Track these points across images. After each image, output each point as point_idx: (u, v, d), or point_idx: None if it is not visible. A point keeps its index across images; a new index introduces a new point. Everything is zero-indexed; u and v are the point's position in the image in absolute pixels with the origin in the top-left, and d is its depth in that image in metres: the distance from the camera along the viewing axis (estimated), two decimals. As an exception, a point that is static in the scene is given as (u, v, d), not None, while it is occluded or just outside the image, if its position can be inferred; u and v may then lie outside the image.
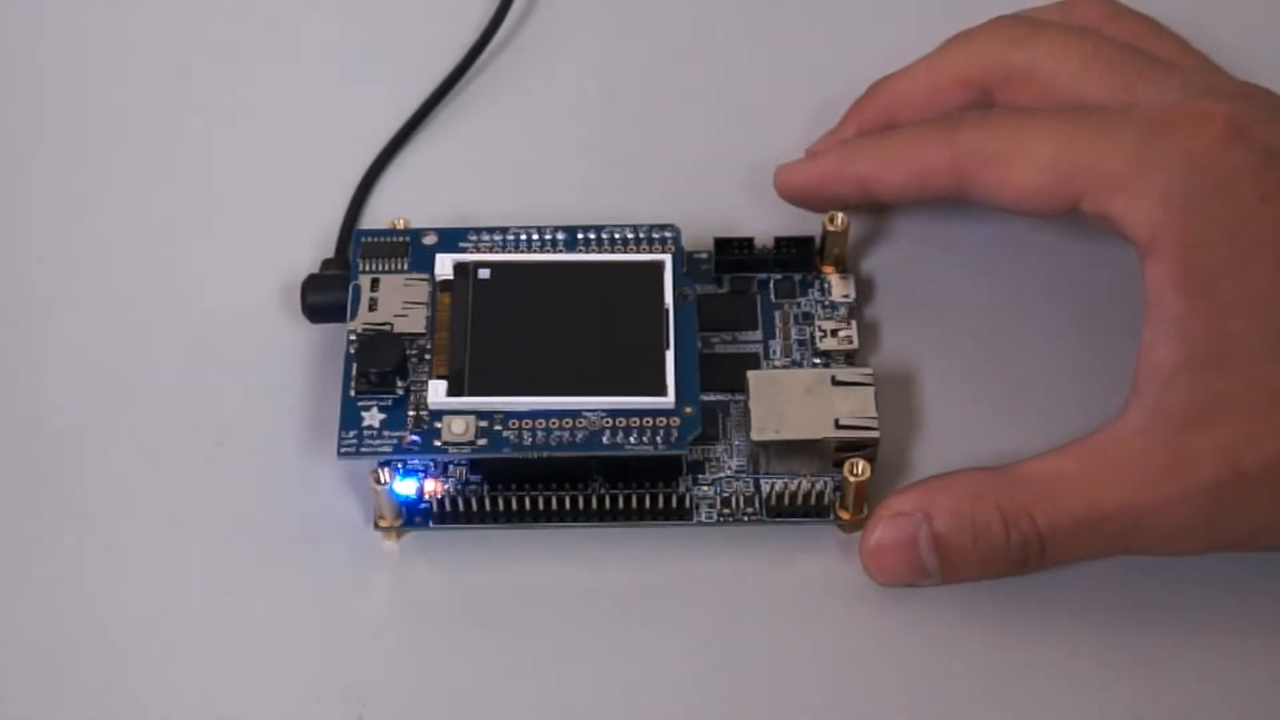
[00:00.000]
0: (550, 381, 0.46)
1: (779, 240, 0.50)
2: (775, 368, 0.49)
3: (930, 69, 0.50)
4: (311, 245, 0.52)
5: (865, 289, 0.51)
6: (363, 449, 0.46)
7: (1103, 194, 0.44)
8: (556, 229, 0.49)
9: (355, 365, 0.47)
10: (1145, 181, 0.44)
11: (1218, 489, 0.43)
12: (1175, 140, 0.43)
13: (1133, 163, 0.44)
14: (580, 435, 0.46)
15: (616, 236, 0.49)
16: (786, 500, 0.47)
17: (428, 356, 0.47)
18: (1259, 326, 0.42)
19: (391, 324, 0.48)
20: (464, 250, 0.49)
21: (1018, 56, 0.48)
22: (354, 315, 0.48)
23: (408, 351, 0.47)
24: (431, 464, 0.47)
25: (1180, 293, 0.43)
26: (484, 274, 0.48)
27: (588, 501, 0.47)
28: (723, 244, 0.50)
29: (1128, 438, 0.43)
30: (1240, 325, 0.42)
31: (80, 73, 0.56)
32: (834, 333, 0.49)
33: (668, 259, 0.48)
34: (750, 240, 0.50)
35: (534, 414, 0.46)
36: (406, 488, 0.46)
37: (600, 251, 0.49)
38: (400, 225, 0.50)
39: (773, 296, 0.50)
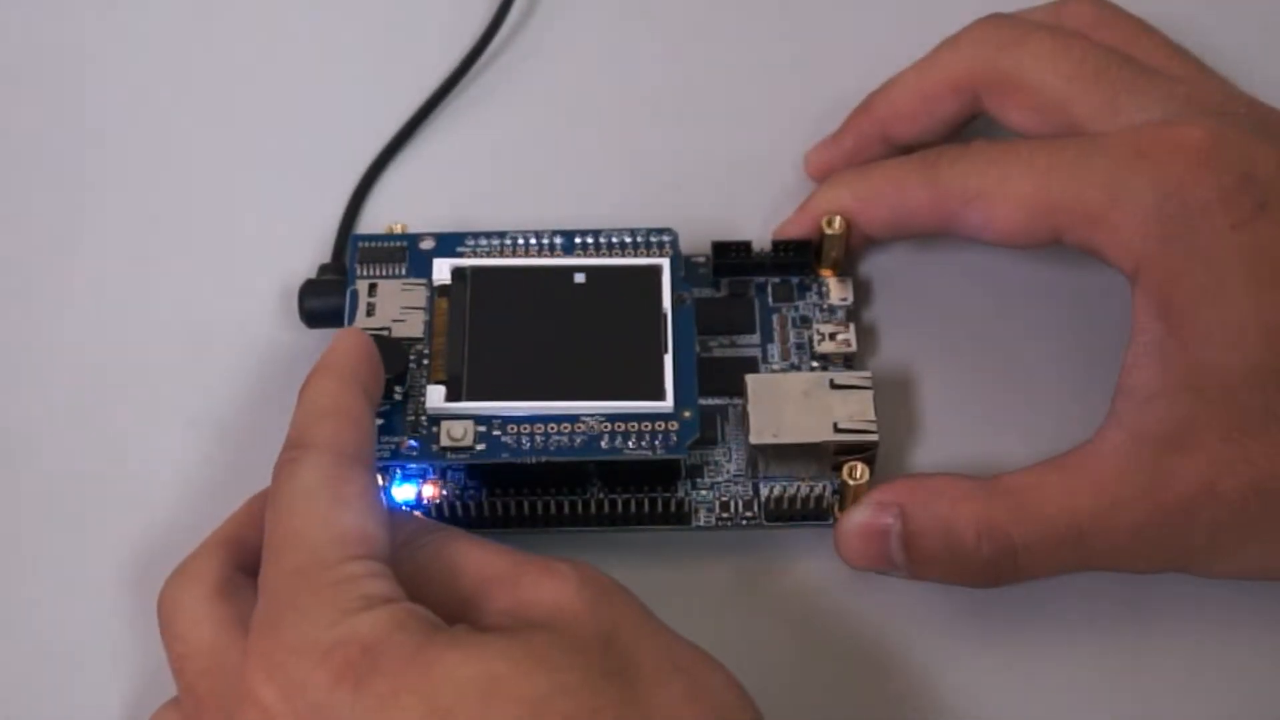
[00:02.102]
0: (548, 386, 0.46)
1: (777, 244, 0.50)
2: (773, 371, 0.49)
3: (920, 77, 0.50)
4: (308, 250, 0.52)
5: (863, 292, 0.51)
6: (361, 454, 0.46)
7: (1083, 228, 0.45)
8: (554, 233, 0.49)
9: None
10: (1122, 213, 0.44)
11: (1192, 511, 0.43)
12: (1148, 169, 0.44)
13: (1109, 196, 0.44)
14: (579, 440, 0.46)
15: (614, 240, 0.49)
16: (785, 504, 0.47)
17: (425, 361, 0.47)
18: (1234, 355, 0.43)
19: (389, 329, 0.47)
20: (461, 255, 0.49)
21: (1004, 62, 0.48)
22: (351, 320, 0.48)
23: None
24: (430, 468, 0.47)
25: (1160, 320, 0.43)
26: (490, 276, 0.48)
27: (586, 506, 0.47)
28: (720, 248, 0.50)
29: (1105, 456, 0.44)
30: (1216, 354, 0.43)
31: (77, 75, 0.56)
32: (832, 336, 0.49)
33: (665, 263, 0.48)
34: (748, 244, 0.50)
35: (532, 419, 0.46)
36: (405, 493, 0.46)
37: (598, 255, 0.49)
38: (397, 230, 0.50)
39: (771, 300, 0.50)
